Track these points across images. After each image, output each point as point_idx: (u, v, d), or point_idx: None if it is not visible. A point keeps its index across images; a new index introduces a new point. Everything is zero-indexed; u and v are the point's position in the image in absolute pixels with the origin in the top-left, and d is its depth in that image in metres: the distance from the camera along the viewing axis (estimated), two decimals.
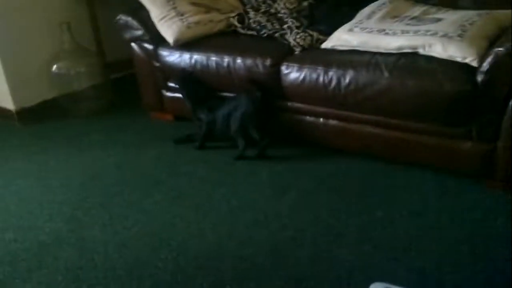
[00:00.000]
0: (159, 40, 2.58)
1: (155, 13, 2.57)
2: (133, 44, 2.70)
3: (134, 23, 2.62)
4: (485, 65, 1.74)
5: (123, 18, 2.64)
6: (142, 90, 2.81)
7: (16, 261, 1.74)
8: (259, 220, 1.87)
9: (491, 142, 1.83)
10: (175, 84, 2.58)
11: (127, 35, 2.66)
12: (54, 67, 2.91)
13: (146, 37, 2.62)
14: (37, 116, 2.97)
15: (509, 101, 1.74)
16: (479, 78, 1.76)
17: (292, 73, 2.17)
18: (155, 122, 2.82)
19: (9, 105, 2.95)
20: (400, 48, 1.97)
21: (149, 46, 2.64)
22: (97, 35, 3.07)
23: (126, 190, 2.15)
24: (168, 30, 2.49)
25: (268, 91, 2.26)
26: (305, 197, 1.99)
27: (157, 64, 2.64)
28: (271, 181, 2.13)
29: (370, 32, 2.06)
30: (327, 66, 2.07)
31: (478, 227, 1.72)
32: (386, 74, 1.93)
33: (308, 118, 2.26)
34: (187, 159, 2.38)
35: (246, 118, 2.26)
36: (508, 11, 2.00)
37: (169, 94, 2.70)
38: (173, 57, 2.54)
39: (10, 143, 2.74)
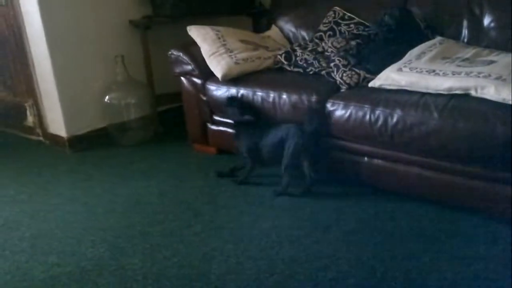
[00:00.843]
0: (207, 75, 2.65)
1: (206, 49, 2.66)
2: (182, 78, 2.79)
3: (185, 58, 2.71)
4: None
5: (174, 53, 2.74)
6: (188, 122, 2.88)
7: (57, 286, 1.76)
8: (299, 257, 1.82)
9: None
10: (224, 102, 2.55)
11: (177, 69, 2.76)
12: (107, 97, 3.04)
13: (195, 72, 2.70)
14: (86, 144, 3.09)
15: None
16: None
17: (338, 110, 2.16)
18: (198, 154, 2.86)
19: (62, 132, 3.08)
20: (450, 89, 1.93)
21: (197, 81, 2.72)
22: (148, 69, 3.20)
23: (167, 219, 2.17)
24: (217, 66, 2.57)
25: (322, 124, 2.22)
26: (348, 237, 1.94)
27: (204, 98, 2.70)
28: (313, 218, 2.09)
29: (420, 72, 2.04)
30: (374, 104, 2.05)
31: None
32: (435, 115, 1.89)
33: (353, 156, 2.23)
34: (228, 192, 2.38)
35: (299, 151, 2.19)
36: None
37: (213, 127, 2.75)
38: (220, 91, 2.59)
39: (60, 169, 2.85)
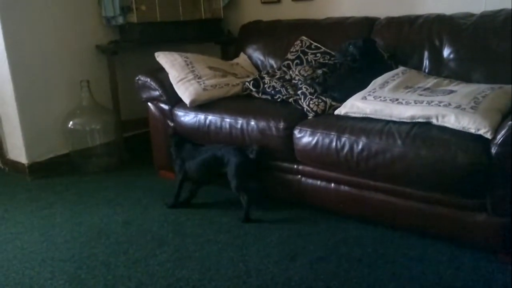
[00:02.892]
0: (175, 101, 2.64)
1: (174, 75, 2.65)
2: (149, 104, 2.76)
3: (152, 83, 2.70)
4: (500, 138, 1.73)
5: (142, 78, 2.72)
6: (154, 148, 2.84)
7: None
8: (267, 287, 1.79)
9: (506, 215, 1.78)
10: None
11: (145, 95, 2.74)
12: (70, 123, 2.96)
13: (163, 98, 2.68)
14: (48, 171, 3.00)
15: None
16: (493, 150, 1.75)
17: (305, 137, 2.18)
18: (164, 180, 2.82)
19: (22, 158, 2.98)
20: (413, 117, 1.98)
21: (165, 106, 2.70)
22: (114, 94, 3.16)
23: (131, 249, 2.10)
24: (186, 92, 2.56)
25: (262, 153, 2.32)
26: (316, 264, 1.92)
27: (172, 124, 2.68)
28: (280, 245, 2.07)
29: (384, 100, 2.09)
30: (340, 132, 2.09)
31: None
32: (399, 142, 1.93)
33: (319, 182, 2.24)
34: (194, 220, 2.34)
35: (243, 170, 2.28)
36: None
37: None
38: (188, 117, 2.58)
39: (19, 197, 2.73)
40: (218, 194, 2.59)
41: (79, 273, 1.94)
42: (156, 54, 2.80)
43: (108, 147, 3.09)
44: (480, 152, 1.77)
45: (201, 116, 2.54)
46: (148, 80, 2.71)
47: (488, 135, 1.78)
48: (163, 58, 2.77)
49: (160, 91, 2.68)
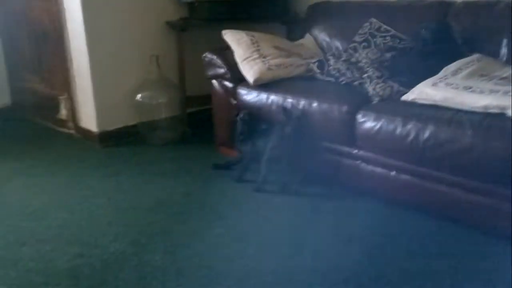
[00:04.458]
0: (239, 79, 2.68)
1: (239, 54, 2.68)
2: (214, 81, 2.82)
3: (218, 61, 2.74)
4: None
5: (208, 56, 2.78)
6: (216, 125, 2.90)
7: (79, 276, 1.79)
8: (320, 268, 1.79)
9: None
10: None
11: (210, 72, 2.79)
12: (139, 96, 3.09)
13: (228, 75, 2.73)
14: (116, 140, 3.15)
15: None
16: None
17: (368, 122, 2.14)
18: (224, 157, 2.88)
19: (93, 127, 3.15)
20: (487, 107, 1.88)
21: (229, 84, 2.74)
22: (181, 70, 3.25)
23: (190, 220, 2.18)
24: (250, 70, 2.58)
25: (301, 127, 2.33)
26: (371, 250, 1.90)
27: (234, 102, 2.72)
28: (336, 229, 2.06)
29: (456, 88, 2.00)
30: (406, 118, 2.02)
31: None
32: (469, 132, 1.84)
33: (379, 169, 2.19)
34: (250, 197, 2.38)
35: (277, 146, 2.33)
36: None
37: None
38: (250, 96, 2.61)
39: (89, 162, 2.91)
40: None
41: (140, 238, 2.04)
42: (223, 32, 2.84)
43: (172, 121, 3.20)
44: None
45: (263, 95, 2.55)
46: (215, 57, 2.76)
47: None
48: (230, 36, 2.80)
49: (225, 69, 2.72)
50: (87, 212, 2.28)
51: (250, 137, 2.50)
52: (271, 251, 1.92)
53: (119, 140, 3.15)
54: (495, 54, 2.31)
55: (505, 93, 1.88)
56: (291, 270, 1.80)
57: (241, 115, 2.56)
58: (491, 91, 1.91)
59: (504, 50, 2.30)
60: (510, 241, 1.86)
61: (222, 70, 2.73)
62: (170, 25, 3.23)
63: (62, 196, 2.46)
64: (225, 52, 2.76)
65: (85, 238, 2.05)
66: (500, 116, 1.85)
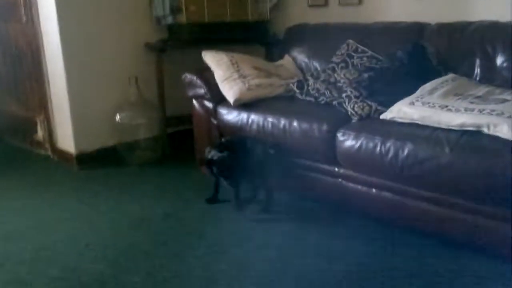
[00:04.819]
0: (219, 99, 2.69)
1: (219, 74, 2.70)
2: (194, 101, 2.82)
3: (198, 81, 2.75)
4: None
5: (188, 76, 2.79)
6: (197, 145, 2.89)
7: None
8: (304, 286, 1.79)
9: None
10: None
11: (190, 92, 2.80)
12: (118, 116, 3.06)
13: (208, 96, 2.74)
14: (94, 161, 3.10)
15: None
16: None
17: (348, 141, 2.16)
18: (205, 177, 2.85)
19: (71, 148, 3.10)
20: (463, 125, 1.93)
21: (209, 104, 2.75)
22: (160, 90, 3.24)
23: (171, 240, 2.15)
24: (230, 90, 2.60)
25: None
26: (353, 268, 1.90)
27: (215, 122, 2.72)
28: (319, 248, 2.06)
29: (432, 107, 2.04)
30: (385, 136, 2.05)
31: None
32: (447, 150, 1.88)
33: (360, 187, 2.21)
34: (232, 216, 2.36)
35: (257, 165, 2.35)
36: None
37: None
38: (231, 116, 2.62)
39: (66, 185, 2.85)
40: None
41: (119, 259, 2.00)
42: (203, 53, 2.86)
43: (152, 142, 3.18)
44: None
45: (244, 115, 2.56)
46: (195, 78, 2.77)
47: None
48: (210, 57, 2.83)
49: (205, 89, 2.73)
50: (65, 234, 2.23)
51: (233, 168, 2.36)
52: (254, 271, 1.90)
53: (98, 161, 3.11)
54: (468, 74, 2.39)
55: (480, 111, 1.93)
56: None
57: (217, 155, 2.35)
58: (467, 110, 1.96)
59: (477, 70, 2.38)
60: (492, 257, 1.89)
61: (202, 91, 2.74)
62: (149, 46, 3.24)
63: (39, 218, 2.40)
64: (205, 72, 2.78)
65: (63, 260, 2.00)
66: (476, 133, 1.90)
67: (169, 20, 3.17)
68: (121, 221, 2.35)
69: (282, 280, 1.83)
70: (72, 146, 3.08)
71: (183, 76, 2.81)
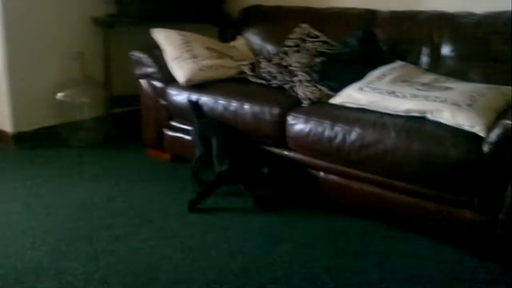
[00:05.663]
0: (169, 79, 2.60)
1: (170, 53, 2.61)
2: (142, 81, 2.72)
3: (147, 60, 2.65)
4: (493, 136, 1.73)
5: (136, 54, 2.68)
6: (144, 126, 2.80)
7: None
8: (249, 269, 1.78)
9: (492, 214, 1.78)
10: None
11: (138, 71, 2.69)
12: (60, 94, 2.90)
13: (157, 75, 2.64)
14: (34, 142, 2.94)
15: None
16: (485, 148, 1.74)
17: (298, 124, 2.16)
18: (152, 160, 2.78)
19: (7, 127, 2.91)
20: (408, 111, 1.97)
21: (158, 84, 2.66)
22: (107, 68, 3.10)
23: (114, 225, 2.07)
24: (181, 70, 2.52)
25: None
26: (300, 250, 1.91)
27: (164, 103, 2.64)
28: (265, 230, 2.06)
29: (380, 92, 2.08)
30: (334, 121, 2.07)
31: None
32: (392, 134, 1.92)
33: (309, 170, 2.22)
34: (179, 200, 2.30)
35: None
36: None
37: (170, 133, 2.69)
38: (181, 97, 2.54)
39: (3, 165, 2.68)
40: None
41: (59, 245, 1.90)
42: (154, 30, 2.75)
43: (96, 122, 3.05)
44: (472, 149, 1.77)
45: (194, 96, 2.50)
46: (143, 56, 2.67)
47: (482, 133, 1.78)
48: (161, 35, 2.73)
49: (154, 68, 2.64)
50: (1, 218, 2.09)
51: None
52: (201, 254, 1.87)
53: (37, 141, 2.94)
54: (416, 62, 2.44)
55: (425, 97, 1.98)
56: (221, 272, 1.76)
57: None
58: (412, 96, 2.01)
59: (424, 59, 2.44)
60: (433, 238, 1.96)
61: (151, 70, 2.65)
62: (96, 21, 3.08)
63: None
64: (154, 51, 2.68)
65: None
66: (420, 119, 1.95)
67: None
68: (62, 205, 2.23)
69: (228, 263, 1.81)
70: (9, 124, 2.90)
71: (131, 53, 2.70)
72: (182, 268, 1.77)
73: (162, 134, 2.72)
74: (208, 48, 2.70)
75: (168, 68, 2.59)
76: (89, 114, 3.00)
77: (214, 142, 2.26)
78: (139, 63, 2.68)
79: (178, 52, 2.60)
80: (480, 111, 1.84)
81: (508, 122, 1.70)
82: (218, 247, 1.91)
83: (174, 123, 2.66)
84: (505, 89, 2.04)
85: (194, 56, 2.60)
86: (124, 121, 3.18)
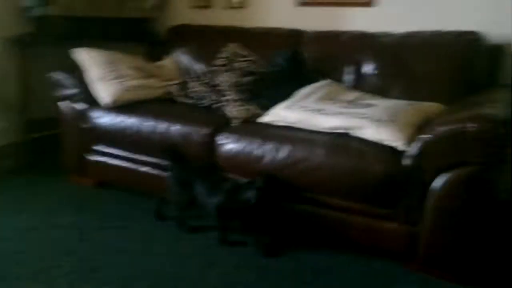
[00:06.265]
0: (91, 101, 2.48)
1: (94, 73, 2.50)
2: (62, 103, 2.58)
3: (67, 81, 2.52)
4: (412, 150, 1.80)
5: (56, 75, 2.53)
6: (65, 151, 2.65)
7: None
8: None
9: (415, 224, 1.83)
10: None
11: (58, 93, 2.54)
12: None
13: (78, 97, 2.52)
14: None
15: (431, 185, 1.78)
16: (406, 162, 1.81)
17: (228, 144, 2.13)
18: (74, 186, 2.61)
19: None
20: (334, 128, 2.01)
21: (79, 107, 2.53)
22: (23, 91, 2.89)
23: (33, 258, 1.90)
24: (105, 91, 2.42)
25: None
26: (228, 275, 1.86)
27: (85, 126, 2.51)
28: (196, 255, 1.98)
29: (308, 110, 2.10)
30: (264, 139, 2.06)
31: None
32: (320, 151, 1.94)
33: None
34: (106, 227, 2.18)
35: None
36: (432, 104, 2.13)
37: (93, 157, 2.56)
38: (106, 119, 2.43)
39: None
40: (134, 202, 2.45)
41: None
42: (75, 50, 2.61)
43: (13, 148, 2.82)
44: (394, 163, 1.82)
45: (119, 119, 2.40)
46: (63, 77, 2.53)
47: (402, 148, 1.84)
48: (83, 55, 2.60)
49: (75, 90, 2.52)
50: None
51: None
52: (128, 284, 1.76)
53: None
54: (341, 81, 2.51)
55: (350, 114, 2.02)
56: None
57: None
58: (338, 113, 2.05)
59: (348, 76, 2.51)
60: (361, 252, 1.98)
61: (71, 91, 2.51)
62: (13, 40, 2.88)
63: None
64: (75, 71, 2.55)
65: None
66: (346, 136, 1.99)
67: (37, 11, 2.85)
68: None
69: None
70: None
71: (50, 74, 2.54)
72: None
73: (84, 159, 2.58)
74: (134, 68, 2.61)
75: (90, 89, 2.47)
76: (4, 140, 2.78)
77: (199, 185, 2.08)
78: (59, 85, 2.53)
79: (102, 72, 2.49)
80: (401, 126, 1.91)
81: (426, 136, 1.77)
82: (147, 275, 1.81)
83: (98, 148, 2.53)
84: (423, 105, 2.14)
85: (120, 76, 2.50)
86: (44, 146, 2.97)
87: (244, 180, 2.04)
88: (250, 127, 2.19)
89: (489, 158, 1.67)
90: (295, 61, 2.56)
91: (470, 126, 1.65)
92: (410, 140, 1.84)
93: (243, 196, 1.97)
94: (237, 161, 2.11)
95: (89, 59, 2.58)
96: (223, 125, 2.24)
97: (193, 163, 2.20)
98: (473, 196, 1.72)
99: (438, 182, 1.75)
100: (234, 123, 2.26)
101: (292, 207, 2.06)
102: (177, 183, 2.15)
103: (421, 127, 1.96)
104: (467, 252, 1.78)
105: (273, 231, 2.10)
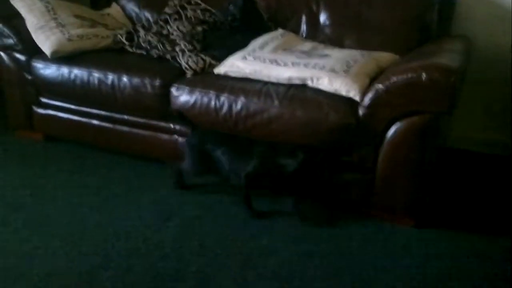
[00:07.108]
0: (33, 51, 2.32)
1: (32, 22, 2.32)
2: (2, 54, 2.40)
3: (5, 30, 2.34)
4: (366, 100, 1.83)
5: None
6: (9, 105, 2.49)
7: None
8: (137, 249, 1.69)
9: (369, 173, 1.91)
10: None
11: None
12: None
13: (19, 47, 2.35)
14: None
15: (386, 134, 1.85)
16: (361, 111, 1.85)
17: (183, 96, 2.08)
18: (21, 141, 2.49)
19: None
20: (290, 79, 2.00)
21: (21, 57, 2.37)
22: None
23: None
24: (46, 41, 2.26)
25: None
26: (192, 223, 1.87)
27: (30, 77, 2.36)
28: (153, 207, 1.97)
29: (263, 61, 2.07)
30: (219, 91, 2.02)
31: (359, 254, 1.75)
32: (276, 102, 1.94)
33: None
34: (56, 182, 2.11)
35: None
36: (386, 54, 2.16)
37: (40, 110, 2.43)
38: (49, 70, 2.30)
39: None
40: (87, 156, 2.37)
41: None
42: None
43: None
44: (349, 113, 1.85)
45: (64, 70, 2.27)
46: (1, 26, 2.34)
47: (357, 98, 1.87)
48: (20, 2, 2.40)
49: (15, 39, 2.34)
50: None
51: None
52: (82, 239, 1.74)
53: None
54: (296, 30, 2.48)
55: (305, 65, 2.02)
56: (106, 255, 1.65)
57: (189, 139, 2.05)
58: (293, 64, 2.04)
59: (303, 27, 2.48)
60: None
61: (10, 41, 2.34)
62: None
63: None
64: (14, 20, 2.37)
65: None
66: (302, 86, 1.99)
67: None
68: None
69: (115, 245, 1.70)
70: None
71: None
72: (61, 257, 1.63)
73: (31, 112, 2.44)
74: (77, 16, 2.45)
75: (31, 38, 2.30)
76: None
77: (223, 151, 1.95)
78: None
79: (42, 20, 2.32)
80: (355, 77, 1.93)
81: (379, 86, 1.81)
82: (103, 230, 1.80)
83: (45, 100, 2.40)
84: (377, 54, 2.16)
85: (61, 25, 2.34)
86: None
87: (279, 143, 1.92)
88: (205, 78, 2.13)
89: (442, 107, 1.73)
90: (249, 9, 2.49)
91: (424, 75, 1.69)
92: (364, 90, 1.88)
93: (282, 161, 1.86)
94: (193, 113, 2.07)
95: (25, 6, 2.39)
96: (177, 76, 2.18)
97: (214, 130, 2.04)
98: (425, 144, 1.79)
99: (392, 131, 1.81)
100: (189, 74, 2.20)
101: None
102: (195, 150, 2.03)
103: (374, 77, 2.00)
104: (421, 197, 1.88)
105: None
